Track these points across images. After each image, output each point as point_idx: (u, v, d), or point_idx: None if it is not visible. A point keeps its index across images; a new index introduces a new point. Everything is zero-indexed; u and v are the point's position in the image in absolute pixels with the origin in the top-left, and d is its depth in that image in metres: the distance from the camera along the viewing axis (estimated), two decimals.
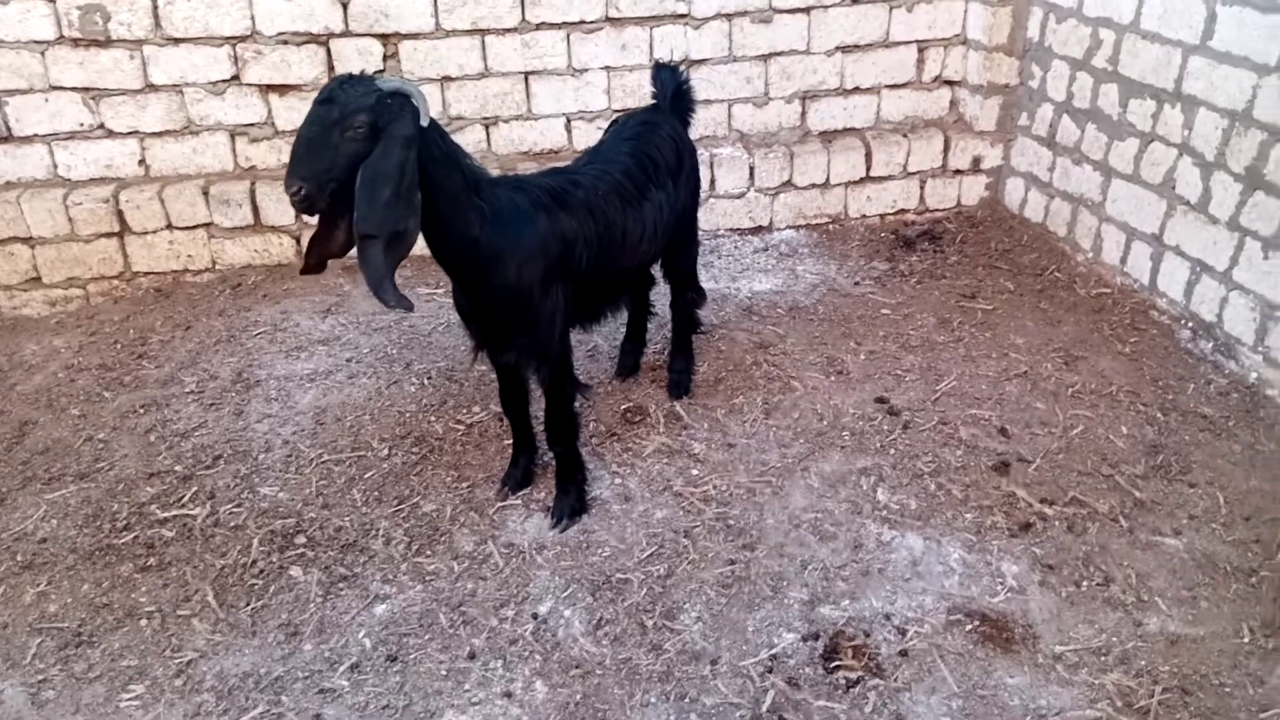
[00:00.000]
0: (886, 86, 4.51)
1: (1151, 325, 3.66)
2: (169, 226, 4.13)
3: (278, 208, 4.16)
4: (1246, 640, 2.38)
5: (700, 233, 3.41)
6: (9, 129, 4.01)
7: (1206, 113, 3.41)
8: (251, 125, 4.16)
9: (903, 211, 4.57)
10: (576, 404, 2.83)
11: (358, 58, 4.08)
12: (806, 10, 4.30)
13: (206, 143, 4.16)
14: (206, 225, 4.16)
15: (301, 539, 2.82)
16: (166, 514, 2.93)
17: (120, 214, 4.08)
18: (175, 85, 4.05)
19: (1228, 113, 3.33)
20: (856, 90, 4.49)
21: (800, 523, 2.74)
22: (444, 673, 2.38)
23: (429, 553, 2.74)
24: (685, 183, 3.03)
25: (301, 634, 2.52)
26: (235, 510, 2.94)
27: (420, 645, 2.46)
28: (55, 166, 4.09)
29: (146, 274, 4.19)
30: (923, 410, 3.20)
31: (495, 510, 2.87)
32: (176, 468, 3.11)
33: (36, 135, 4.02)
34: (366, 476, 3.04)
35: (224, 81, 4.08)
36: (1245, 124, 3.26)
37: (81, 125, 4.06)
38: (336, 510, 2.91)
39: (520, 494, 2.93)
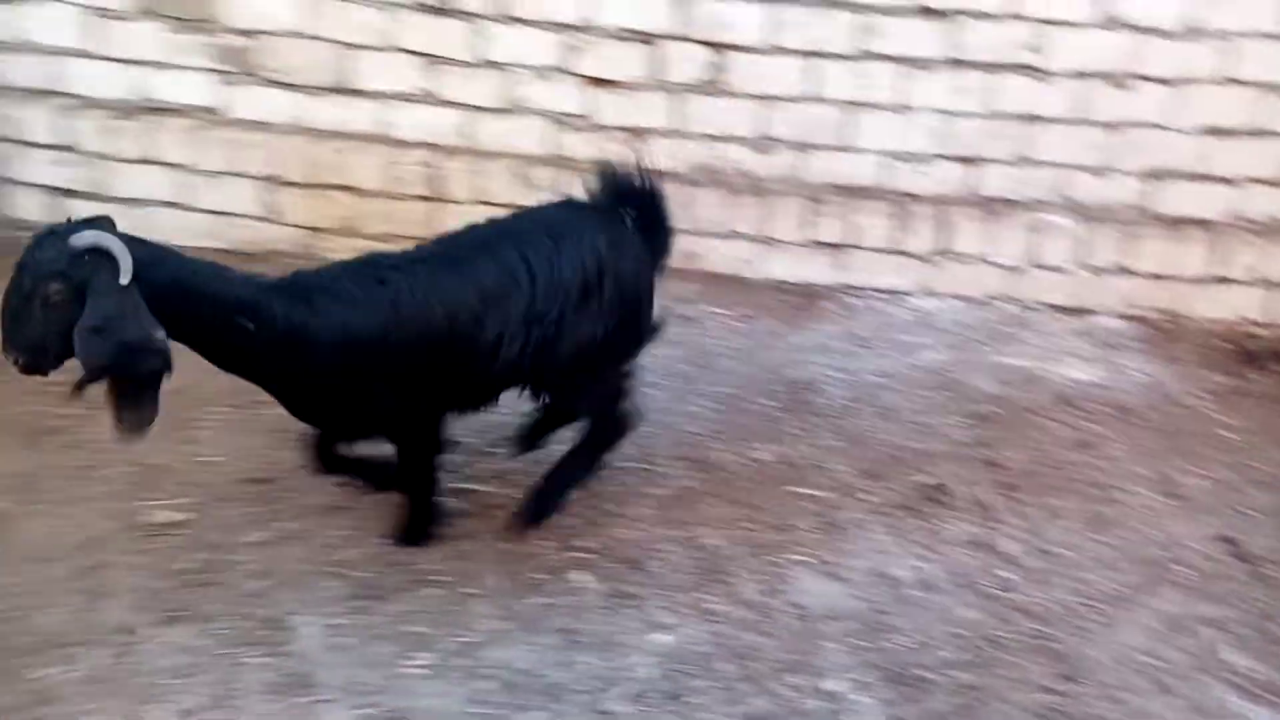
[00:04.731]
0: (1251, 180, 4.07)
1: None
2: (476, 200, 4.25)
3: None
4: None
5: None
6: (347, 82, 4.18)
7: None
8: (570, 114, 4.20)
9: (1250, 322, 4.11)
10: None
11: (685, 63, 4.03)
12: (1172, 82, 3.94)
13: (526, 124, 4.24)
14: (512, 204, 4.25)
15: (585, 543, 2.79)
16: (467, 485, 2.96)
17: (434, 179, 4.22)
18: (506, 64, 4.14)
19: None
20: (1214, 178, 4.08)
21: (1133, 665, 2.47)
22: None
23: (711, 590, 2.65)
24: (600, 313, 2.58)
25: (581, 644, 2.48)
26: (518, 497, 2.95)
27: (702, 690, 2.36)
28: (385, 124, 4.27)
29: None
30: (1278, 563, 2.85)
31: (783, 563, 2.75)
32: (473, 441, 3.14)
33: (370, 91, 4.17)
34: (650, 492, 2.99)
35: (551, 68, 4.13)
36: None
37: (413, 89, 4.21)
38: (621, 521, 2.88)
39: None
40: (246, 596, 2.60)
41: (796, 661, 2.45)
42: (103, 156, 4.27)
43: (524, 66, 4.11)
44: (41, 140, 4.28)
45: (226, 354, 2.35)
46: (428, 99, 4.20)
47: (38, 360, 2.17)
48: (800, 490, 2.95)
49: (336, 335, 2.35)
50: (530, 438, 2.98)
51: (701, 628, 2.54)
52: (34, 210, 4.35)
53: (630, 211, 2.69)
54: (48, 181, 4.33)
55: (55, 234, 2.13)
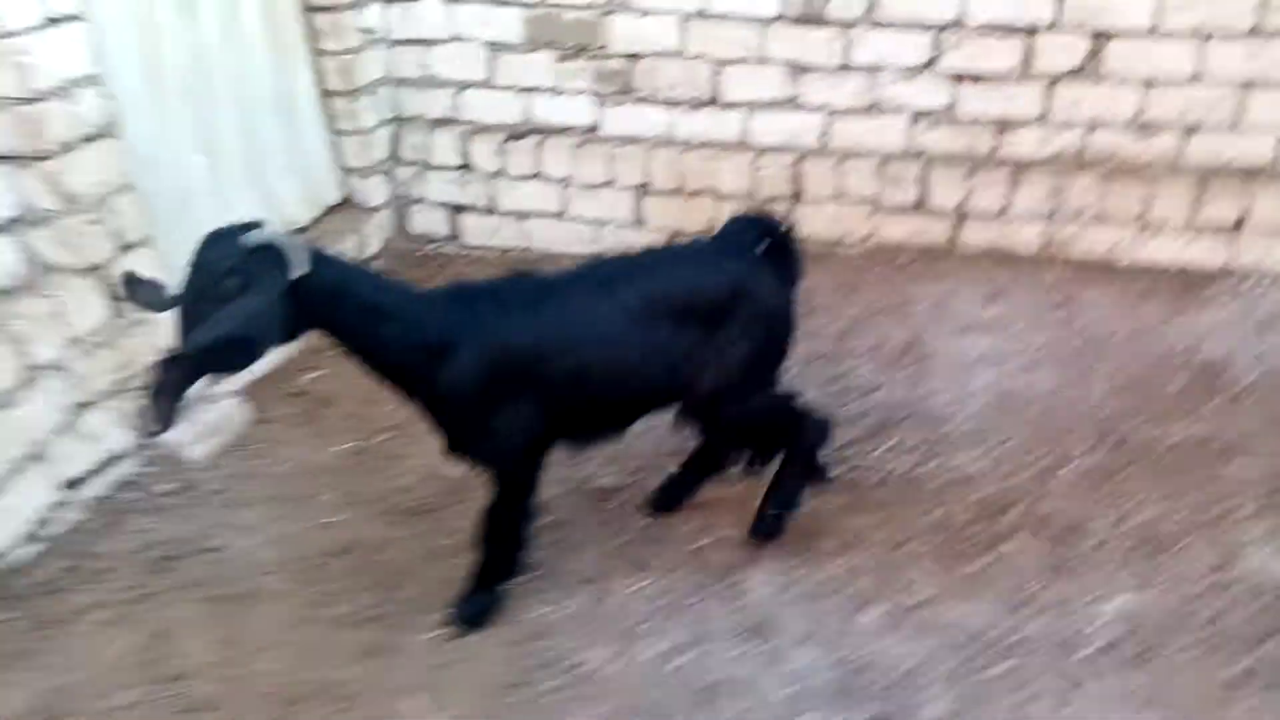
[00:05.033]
0: None
1: None
2: (835, 198, 4.43)
3: (943, 191, 4.27)
4: None
5: None
6: (715, 95, 4.52)
7: None
8: (932, 111, 4.28)
9: None
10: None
11: (1058, 53, 4.01)
12: None
13: (887, 123, 4.38)
14: (871, 200, 4.40)
15: (1010, 516, 2.88)
16: (862, 463, 3.13)
17: (794, 180, 4.44)
18: (871, 67, 4.29)
19: None
20: None
21: None
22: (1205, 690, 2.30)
23: (1158, 560, 2.67)
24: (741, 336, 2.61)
25: (1032, 605, 2.59)
26: (933, 471, 3.07)
27: (1172, 652, 2.40)
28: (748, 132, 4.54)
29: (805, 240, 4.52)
30: None
31: (1232, 539, 2.71)
32: (867, 420, 3.33)
33: (736, 102, 4.48)
34: (1064, 470, 3.03)
35: (917, 67, 4.24)
36: None
37: (777, 97, 4.45)
38: (1039, 495, 2.93)
39: None
40: (693, 553, 2.87)
41: (1275, 630, 2.42)
42: (495, 174, 4.82)
43: (889, 68, 4.25)
44: (443, 163, 4.91)
45: (377, 358, 2.42)
46: (790, 105, 4.43)
47: None
48: (1235, 469, 2.89)
49: (482, 346, 2.41)
50: (668, 497, 3.04)
51: (1156, 595, 2.56)
52: (434, 225, 4.99)
53: (761, 245, 2.75)
54: (447, 199, 4.95)
55: (226, 233, 2.18)
